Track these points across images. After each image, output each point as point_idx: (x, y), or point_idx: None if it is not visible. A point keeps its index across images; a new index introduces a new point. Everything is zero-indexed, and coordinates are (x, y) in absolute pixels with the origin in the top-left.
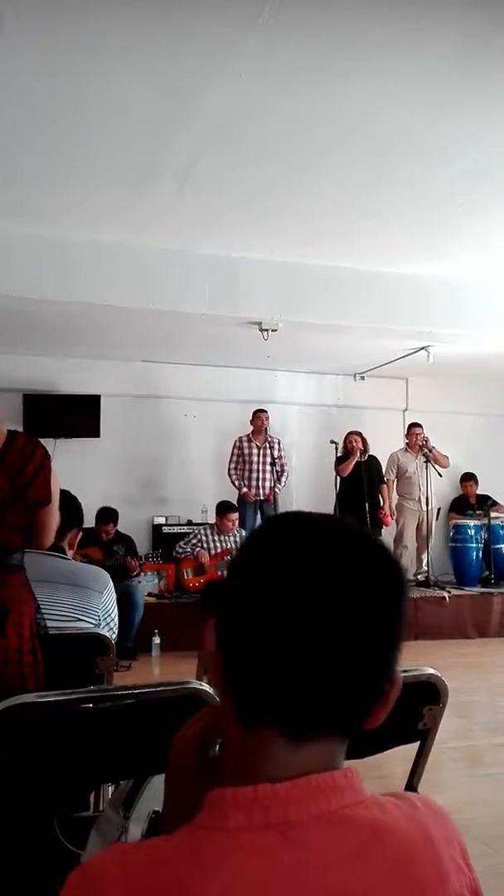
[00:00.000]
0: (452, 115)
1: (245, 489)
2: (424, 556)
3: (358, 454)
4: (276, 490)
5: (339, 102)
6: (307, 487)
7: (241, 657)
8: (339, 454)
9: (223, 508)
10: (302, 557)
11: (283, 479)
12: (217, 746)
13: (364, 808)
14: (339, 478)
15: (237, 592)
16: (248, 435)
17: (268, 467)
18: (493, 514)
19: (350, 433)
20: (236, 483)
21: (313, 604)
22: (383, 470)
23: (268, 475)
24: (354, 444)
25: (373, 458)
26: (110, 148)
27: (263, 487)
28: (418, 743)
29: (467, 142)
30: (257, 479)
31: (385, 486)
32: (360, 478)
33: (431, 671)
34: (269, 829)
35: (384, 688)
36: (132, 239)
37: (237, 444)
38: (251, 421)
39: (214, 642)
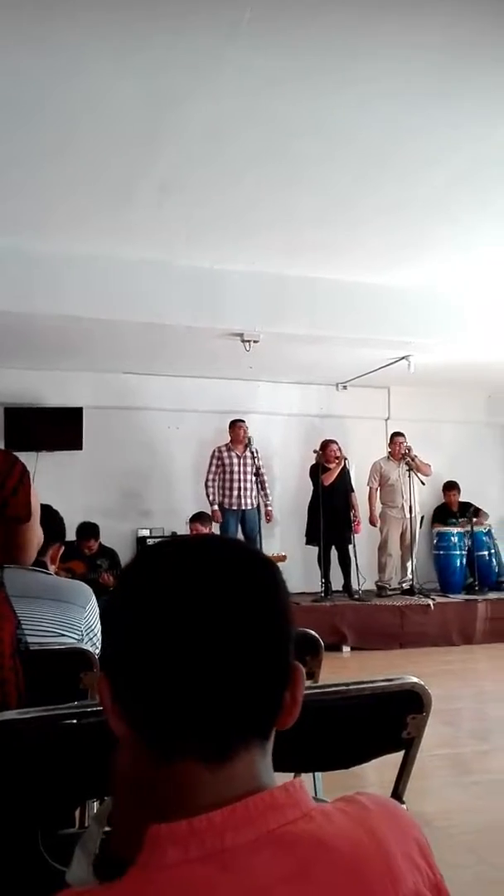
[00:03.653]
0: (433, 126)
1: (215, 507)
2: (409, 564)
3: (342, 463)
4: (268, 506)
5: (321, 112)
6: (291, 497)
7: (142, 698)
8: (314, 463)
9: (191, 519)
10: (174, 580)
11: (270, 492)
12: None
13: (308, 822)
14: (316, 487)
15: (121, 639)
16: (227, 444)
17: (249, 476)
18: (475, 522)
19: (329, 442)
20: (211, 497)
21: (198, 622)
22: (366, 479)
23: (249, 484)
24: (337, 452)
25: (344, 467)
26: (92, 159)
27: (246, 497)
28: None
29: (447, 153)
30: (239, 489)
31: (354, 493)
32: (339, 486)
33: (414, 680)
34: (207, 860)
35: (287, 679)
36: (113, 250)
37: (216, 454)
38: (230, 431)
39: (109, 695)
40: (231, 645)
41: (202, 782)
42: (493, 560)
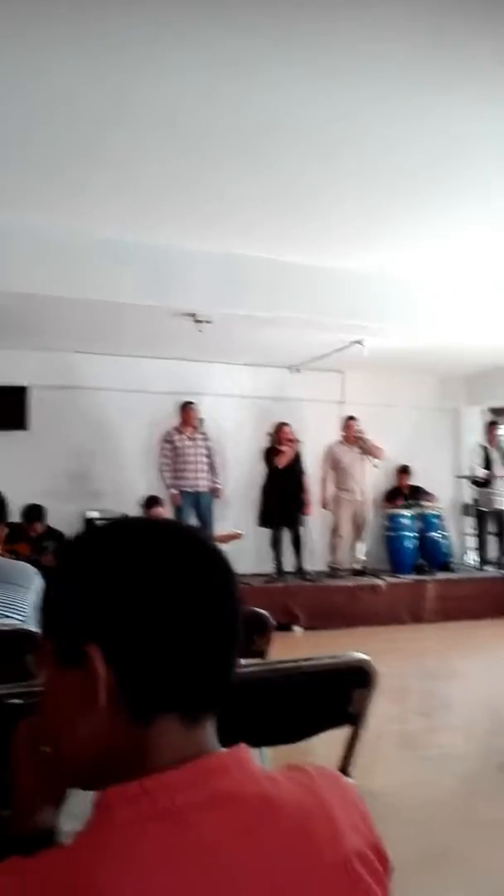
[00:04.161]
0: (389, 113)
1: (175, 491)
2: (360, 546)
3: (295, 445)
4: (217, 484)
5: (278, 94)
6: (244, 479)
7: (140, 662)
8: (267, 446)
9: (148, 504)
10: (163, 560)
11: (219, 473)
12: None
13: (255, 784)
14: (270, 469)
15: (127, 611)
16: (176, 427)
17: (201, 458)
18: (425, 504)
19: (282, 425)
20: (168, 481)
21: (190, 599)
22: (319, 461)
23: (202, 466)
24: (291, 435)
25: (297, 450)
26: (45, 136)
27: (199, 479)
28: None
29: (403, 139)
30: (193, 471)
31: (307, 476)
32: (292, 469)
33: (361, 655)
34: (158, 818)
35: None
36: (64, 227)
37: (166, 437)
38: (180, 413)
39: (104, 663)
40: (225, 616)
41: (174, 739)
42: (443, 542)
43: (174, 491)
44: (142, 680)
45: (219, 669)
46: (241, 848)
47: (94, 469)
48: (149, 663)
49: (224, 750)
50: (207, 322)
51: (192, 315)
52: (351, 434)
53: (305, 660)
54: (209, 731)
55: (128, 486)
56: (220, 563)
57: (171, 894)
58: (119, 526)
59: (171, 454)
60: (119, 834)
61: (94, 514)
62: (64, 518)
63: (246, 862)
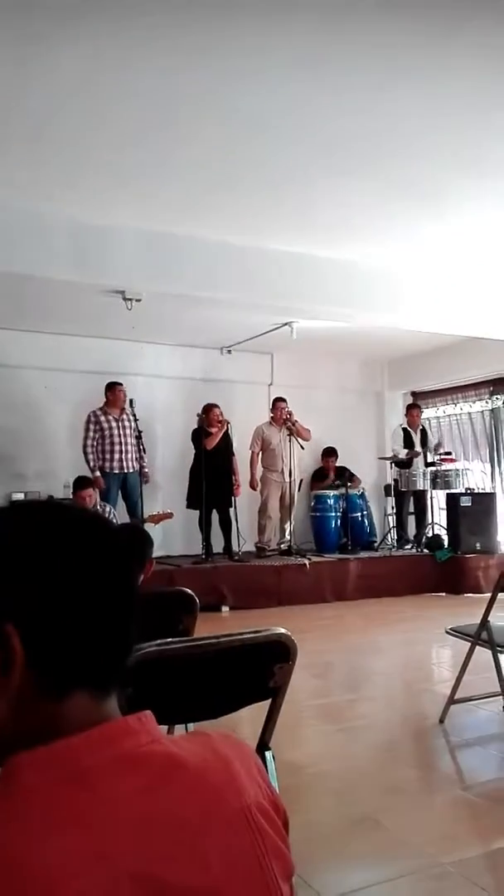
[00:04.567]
0: (312, 90)
1: (97, 474)
2: (287, 526)
3: (224, 427)
4: (144, 467)
5: (204, 66)
6: (173, 461)
7: (55, 640)
8: (196, 427)
9: (76, 485)
10: (73, 541)
11: (146, 454)
12: None
13: (159, 744)
14: (198, 451)
15: (34, 589)
16: (103, 408)
17: (129, 440)
18: (350, 486)
19: (211, 406)
20: (91, 463)
21: (100, 578)
22: (249, 443)
23: (129, 447)
24: (220, 416)
25: (226, 431)
26: None
27: (127, 461)
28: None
29: (329, 117)
30: (121, 452)
31: (235, 457)
32: (221, 450)
33: (281, 630)
34: (66, 780)
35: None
36: None
37: (92, 418)
38: (108, 393)
39: (20, 644)
40: (128, 591)
41: (81, 717)
42: (366, 521)
43: (97, 474)
44: (57, 657)
45: (124, 643)
46: (148, 804)
47: (18, 450)
48: (64, 640)
49: (129, 716)
50: (137, 300)
51: (121, 292)
52: (280, 415)
53: (226, 636)
54: (114, 702)
55: (54, 466)
56: (121, 543)
57: (81, 855)
58: (22, 509)
59: (97, 436)
60: (25, 799)
61: (20, 496)
62: None
63: (153, 817)
